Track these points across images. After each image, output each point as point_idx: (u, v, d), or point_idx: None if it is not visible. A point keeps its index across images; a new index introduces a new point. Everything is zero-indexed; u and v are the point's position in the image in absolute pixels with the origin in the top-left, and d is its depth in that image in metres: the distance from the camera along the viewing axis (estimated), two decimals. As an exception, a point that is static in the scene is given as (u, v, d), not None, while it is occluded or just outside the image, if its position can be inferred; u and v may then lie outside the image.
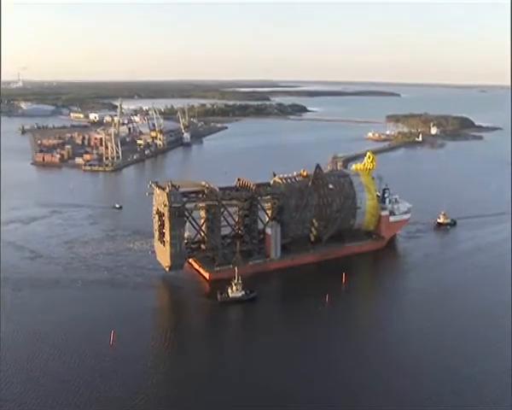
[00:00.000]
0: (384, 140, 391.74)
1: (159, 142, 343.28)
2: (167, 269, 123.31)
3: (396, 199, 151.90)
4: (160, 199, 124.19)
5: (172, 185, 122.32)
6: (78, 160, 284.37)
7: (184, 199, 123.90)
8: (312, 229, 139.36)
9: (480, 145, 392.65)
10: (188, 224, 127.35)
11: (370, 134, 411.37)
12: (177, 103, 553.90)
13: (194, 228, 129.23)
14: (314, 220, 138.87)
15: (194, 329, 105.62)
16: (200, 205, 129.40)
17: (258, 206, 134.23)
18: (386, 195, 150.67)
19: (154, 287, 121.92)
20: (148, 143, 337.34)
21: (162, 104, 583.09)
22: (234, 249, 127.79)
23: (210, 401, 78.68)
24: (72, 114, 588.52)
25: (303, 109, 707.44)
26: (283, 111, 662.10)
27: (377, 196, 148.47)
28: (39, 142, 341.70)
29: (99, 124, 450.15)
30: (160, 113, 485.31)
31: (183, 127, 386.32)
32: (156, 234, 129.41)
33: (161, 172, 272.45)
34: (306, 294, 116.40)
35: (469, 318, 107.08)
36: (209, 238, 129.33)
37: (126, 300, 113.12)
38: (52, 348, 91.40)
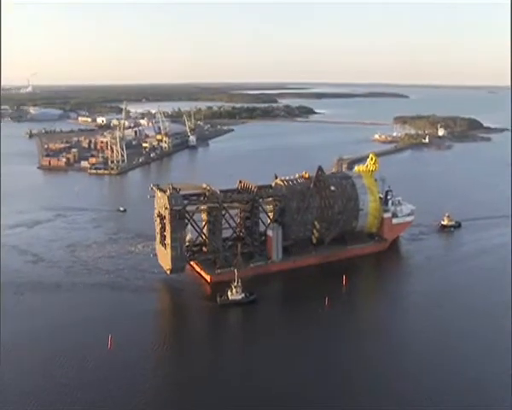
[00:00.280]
0: (390, 142, 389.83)
1: (164, 145, 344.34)
2: (168, 272, 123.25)
3: (399, 201, 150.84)
4: (161, 202, 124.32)
5: (173, 188, 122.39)
6: (84, 163, 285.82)
7: (185, 202, 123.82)
8: (314, 231, 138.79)
9: (488, 147, 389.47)
10: (189, 226, 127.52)
11: (377, 136, 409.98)
12: (185, 106, 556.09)
13: (196, 231, 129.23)
14: (316, 222, 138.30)
15: (193, 331, 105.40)
16: (202, 208, 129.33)
17: (260, 208, 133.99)
18: (388, 197, 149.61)
19: (155, 290, 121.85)
20: (153, 146, 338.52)
21: (170, 107, 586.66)
22: (235, 252, 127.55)
23: (209, 404, 78.43)
24: (79, 118, 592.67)
25: (310, 111, 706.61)
26: (290, 113, 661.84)
27: (380, 197, 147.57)
28: (46, 146, 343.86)
29: (106, 127, 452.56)
30: (168, 116, 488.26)
31: (188, 130, 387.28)
32: (157, 237, 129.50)
33: (166, 174, 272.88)
34: (306, 296, 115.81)
35: (470, 319, 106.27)
36: (210, 241, 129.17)
37: (126, 303, 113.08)
38: (49, 352, 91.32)
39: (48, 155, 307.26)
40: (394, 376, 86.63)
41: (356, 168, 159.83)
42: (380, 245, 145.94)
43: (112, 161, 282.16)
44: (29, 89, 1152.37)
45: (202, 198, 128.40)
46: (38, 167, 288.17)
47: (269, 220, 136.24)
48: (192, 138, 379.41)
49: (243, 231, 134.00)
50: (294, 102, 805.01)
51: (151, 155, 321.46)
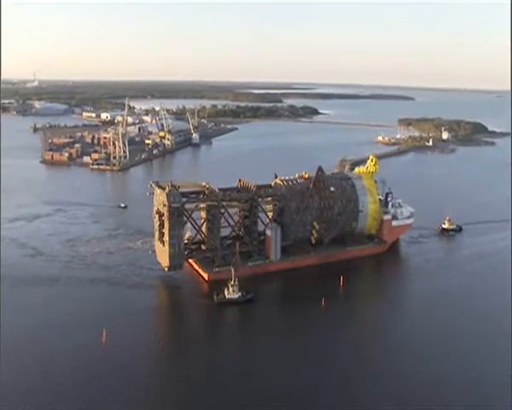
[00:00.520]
0: (394, 144, 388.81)
1: (167, 142, 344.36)
2: (166, 269, 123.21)
3: (399, 203, 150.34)
4: (159, 199, 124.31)
5: (172, 185, 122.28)
6: (86, 158, 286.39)
7: (184, 199, 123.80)
8: (313, 231, 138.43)
9: (492, 151, 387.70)
10: (189, 224, 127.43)
11: (380, 138, 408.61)
12: (190, 104, 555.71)
13: (195, 228, 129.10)
14: (315, 223, 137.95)
15: (188, 329, 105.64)
16: (201, 206, 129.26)
17: (259, 207, 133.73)
18: (388, 199, 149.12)
19: (152, 287, 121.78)
20: (156, 142, 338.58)
21: (174, 105, 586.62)
22: (233, 251, 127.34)
23: (198, 403, 78.25)
24: (84, 114, 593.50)
25: (314, 112, 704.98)
26: (295, 113, 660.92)
27: (380, 199, 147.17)
28: (50, 140, 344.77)
29: (110, 123, 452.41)
30: (172, 113, 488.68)
31: (192, 128, 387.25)
32: (156, 234, 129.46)
33: (168, 172, 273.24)
34: (303, 296, 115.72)
35: (469, 320, 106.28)
36: (209, 239, 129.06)
37: (123, 299, 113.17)
38: (42, 347, 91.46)
39: (51, 150, 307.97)
40: (394, 376, 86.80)
41: (356, 169, 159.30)
42: (379, 247, 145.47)
43: (114, 157, 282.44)
44: (35, 83, 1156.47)
45: (201, 196, 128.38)
46: (41, 161, 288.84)
47: (268, 220, 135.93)
48: (195, 136, 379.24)
49: (242, 230, 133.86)
50: (299, 103, 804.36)
51: (153, 151, 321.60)
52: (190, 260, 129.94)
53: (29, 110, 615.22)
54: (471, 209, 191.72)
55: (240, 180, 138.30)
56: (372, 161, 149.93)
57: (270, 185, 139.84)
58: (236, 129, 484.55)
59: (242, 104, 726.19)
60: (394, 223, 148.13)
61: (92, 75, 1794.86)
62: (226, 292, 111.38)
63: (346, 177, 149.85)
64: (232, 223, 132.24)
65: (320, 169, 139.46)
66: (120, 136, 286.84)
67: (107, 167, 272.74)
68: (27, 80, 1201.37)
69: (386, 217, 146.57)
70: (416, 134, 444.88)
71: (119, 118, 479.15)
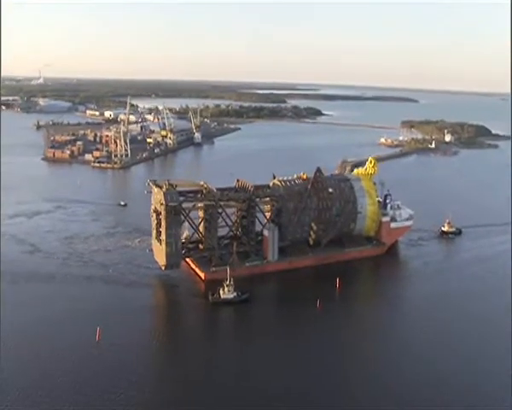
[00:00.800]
0: (396, 146, 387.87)
1: (169, 141, 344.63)
2: (163, 268, 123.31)
3: (398, 205, 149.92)
4: (157, 198, 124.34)
5: (170, 184, 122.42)
6: (88, 156, 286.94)
7: (181, 198, 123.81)
8: (311, 232, 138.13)
9: (495, 154, 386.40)
10: (187, 223, 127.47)
11: (383, 140, 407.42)
12: (193, 103, 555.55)
13: (192, 228, 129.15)
14: (313, 224, 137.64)
15: (184, 329, 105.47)
16: (198, 205, 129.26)
17: (257, 208, 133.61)
18: (387, 200, 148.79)
19: (149, 285, 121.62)
20: (158, 141, 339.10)
21: (178, 104, 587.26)
22: (231, 250, 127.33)
23: (195, 402, 78.20)
24: (87, 112, 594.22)
25: (318, 113, 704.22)
26: (298, 114, 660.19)
27: (378, 201, 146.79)
28: (52, 138, 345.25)
29: (113, 121, 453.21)
30: (175, 112, 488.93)
31: (194, 127, 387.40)
32: (154, 232, 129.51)
33: (169, 171, 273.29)
34: (299, 297, 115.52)
35: (469, 321, 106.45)
36: (206, 238, 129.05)
37: (119, 297, 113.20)
38: (36, 345, 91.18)
39: (53, 147, 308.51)
40: (394, 376, 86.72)
41: (355, 171, 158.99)
42: (377, 249, 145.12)
43: (115, 155, 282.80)
44: (40, 80, 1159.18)
45: (199, 195, 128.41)
46: (43, 159, 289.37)
47: (266, 220, 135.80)
48: (197, 135, 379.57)
49: (240, 230, 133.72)
50: (303, 104, 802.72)
51: (155, 150, 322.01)
52: (187, 260, 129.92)
53: (33, 107, 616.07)
54: (471, 212, 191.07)
55: (238, 180, 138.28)
56: (371, 162, 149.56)
57: (268, 186, 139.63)
58: (239, 129, 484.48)
59: (246, 104, 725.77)
60: (393, 225, 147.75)
61: (96, 73, 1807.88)
62: (221, 292, 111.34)
63: (345, 178, 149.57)
64: (230, 223, 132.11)
65: (318, 170, 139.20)
66: (122, 134, 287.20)
67: (109, 165, 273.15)
68: (32, 77, 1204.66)
69: (385, 219, 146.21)
70: (419, 136, 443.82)
71: (122, 116, 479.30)
